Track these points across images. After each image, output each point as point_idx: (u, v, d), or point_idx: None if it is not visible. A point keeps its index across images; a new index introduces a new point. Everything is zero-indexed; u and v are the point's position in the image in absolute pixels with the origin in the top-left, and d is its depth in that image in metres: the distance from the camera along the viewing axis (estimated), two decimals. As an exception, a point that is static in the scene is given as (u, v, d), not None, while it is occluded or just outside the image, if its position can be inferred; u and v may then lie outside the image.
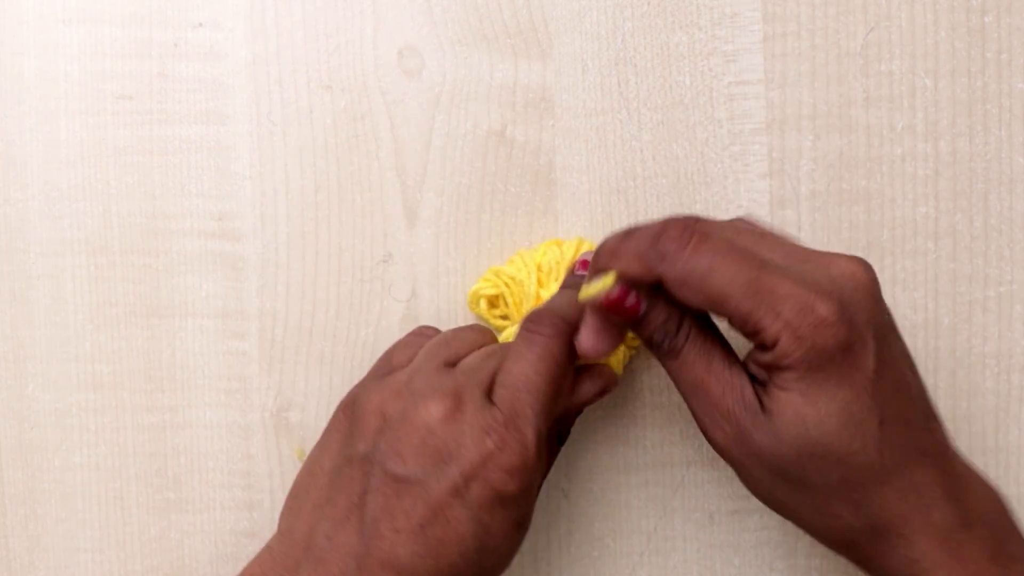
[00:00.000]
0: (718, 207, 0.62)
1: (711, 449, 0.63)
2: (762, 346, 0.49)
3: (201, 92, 0.63)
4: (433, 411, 0.52)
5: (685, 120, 0.62)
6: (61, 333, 0.63)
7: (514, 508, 0.51)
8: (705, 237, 0.50)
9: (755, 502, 0.63)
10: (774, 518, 0.63)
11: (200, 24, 0.63)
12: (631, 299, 0.52)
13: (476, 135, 0.62)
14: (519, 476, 0.51)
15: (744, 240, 0.50)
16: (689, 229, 0.50)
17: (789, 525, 0.62)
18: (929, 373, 0.62)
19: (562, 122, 0.63)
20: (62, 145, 0.63)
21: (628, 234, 0.52)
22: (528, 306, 0.59)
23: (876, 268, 0.62)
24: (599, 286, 0.52)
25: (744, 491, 0.63)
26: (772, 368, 0.49)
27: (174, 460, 0.63)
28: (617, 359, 0.59)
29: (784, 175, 0.62)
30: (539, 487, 0.54)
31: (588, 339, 0.54)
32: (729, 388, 0.51)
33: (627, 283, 0.51)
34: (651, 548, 0.63)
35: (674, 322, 0.52)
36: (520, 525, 0.52)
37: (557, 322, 0.54)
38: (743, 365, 0.52)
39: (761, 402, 0.51)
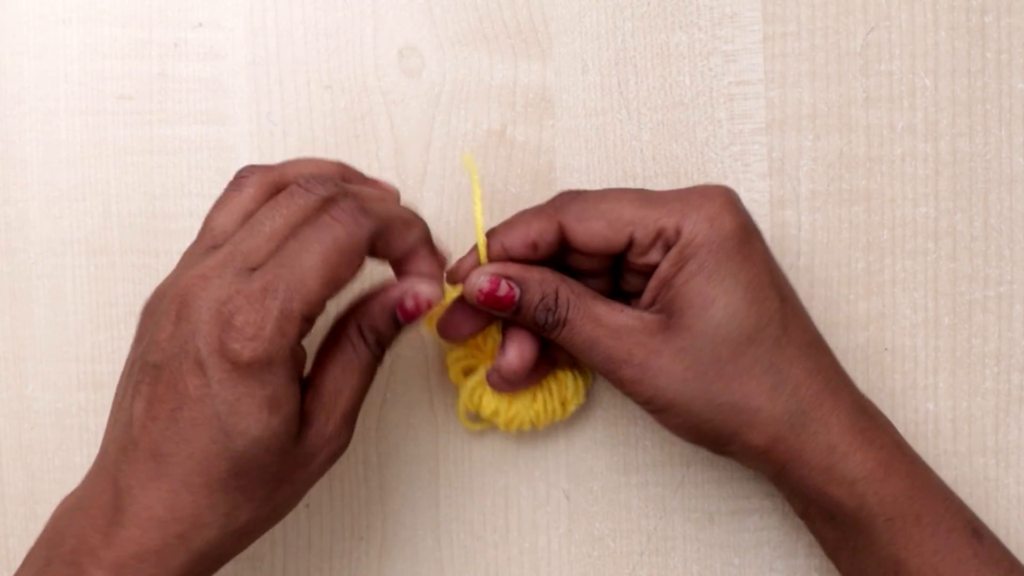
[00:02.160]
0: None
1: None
2: (666, 245, 0.54)
3: (201, 92, 0.63)
4: (183, 285, 0.50)
5: (685, 120, 0.62)
6: (61, 333, 0.63)
7: (257, 384, 0.49)
8: (589, 191, 0.56)
9: (755, 502, 0.63)
10: (774, 518, 0.63)
11: (200, 24, 0.63)
12: (503, 288, 0.55)
13: (476, 135, 0.62)
14: (253, 345, 0.48)
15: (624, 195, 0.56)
16: (573, 191, 0.56)
17: (789, 525, 0.62)
18: (929, 373, 0.62)
19: (562, 122, 0.63)
20: (62, 145, 0.63)
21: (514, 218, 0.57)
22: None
23: (876, 268, 0.62)
24: (455, 291, 0.57)
25: (744, 491, 0.63)
26: (678, 264, 0.54)
27: (174, 460, 0.63)
28: (577, 390, 0.60)
29: (784, 175, 0.62)
30: (296, 378, 0.51)
31: (451, 325, 0.58)
32: (624, 328, 0.55)
33: (496, 276, 0.55)
34: (651, 548, 0.63)
35: (551, 296, 0.55)
36: (272, 406, 0.49)
37: (357, 215, 0.51)
38: (626, 303, 0.56)
39: (664, 314, 0.54)
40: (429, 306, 0.54)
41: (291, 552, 0.63)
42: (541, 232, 0.55)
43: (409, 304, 0.53)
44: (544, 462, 0.63)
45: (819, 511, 0.55)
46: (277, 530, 0.63)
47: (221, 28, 0.63)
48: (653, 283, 0.55)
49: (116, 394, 0.53)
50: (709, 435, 0.55)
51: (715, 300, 0.53)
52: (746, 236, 0.54)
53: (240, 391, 0.49)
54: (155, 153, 0.63)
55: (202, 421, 0.49)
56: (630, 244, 0.55)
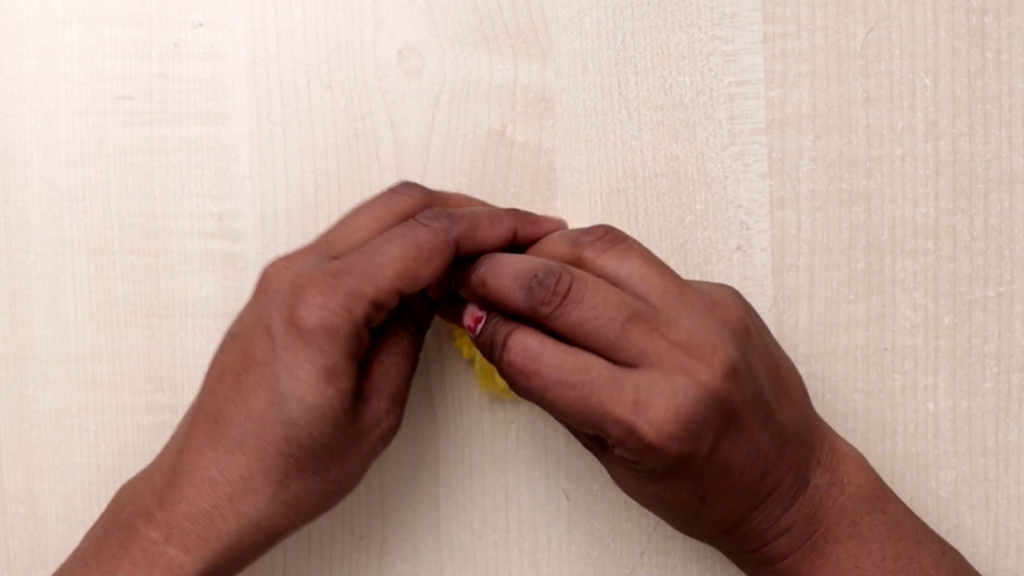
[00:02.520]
0: (718, 207, 0.62)
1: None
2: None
3: (201, 92, 0.63)
4: (269, 267, 0.54)
5: (685, 120, 0.62)
6: (61, 333, 0.63)
7: (318, 352, 0.51)
8: (537, 356, 0.51)
9: (755, 502, 0.63)
10: (774, 518, 0.63)
11: (200, 24, 0.63)
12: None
13: (476, 135, 0.62)
14: (319, 313, 0.51)
15: (603, 335, 0.51)
16: (523, 347, 0.52)
17: (789, 525, 0.62)
18: (929, 373, 0.62)
19: (562, 122, 0.63)
20: (62, 145, 0.63)
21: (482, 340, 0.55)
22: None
23: (876, 268, 0.62)
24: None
25: (744, 491, 0.63)
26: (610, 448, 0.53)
27: (174, 460, 0.63)
28: None
29: (784, 175, 0.62)
30: (357, 356, 0.52)
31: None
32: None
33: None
34: (651, 548, 0.63)
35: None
36: (328, 376, 0.51)
37: (443, 219, 0.53)
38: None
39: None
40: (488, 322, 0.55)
41: (291, 552, 0.63)
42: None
43: (468, 322, 0.55)
44: (544, 462, 0.63)
45: None
46: (277, 530, 0.63)
47: (221, 28, 0.63)
48: None
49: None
50: None
51: (628, 486, 0.54)
52: (675, 464, 0.51)
53: (301, 358, 0.50)
54: (155, 153, 0.63)
55: (262, 384, 0.51)
56: None
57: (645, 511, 0.63)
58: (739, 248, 0.62)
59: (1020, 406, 0.62)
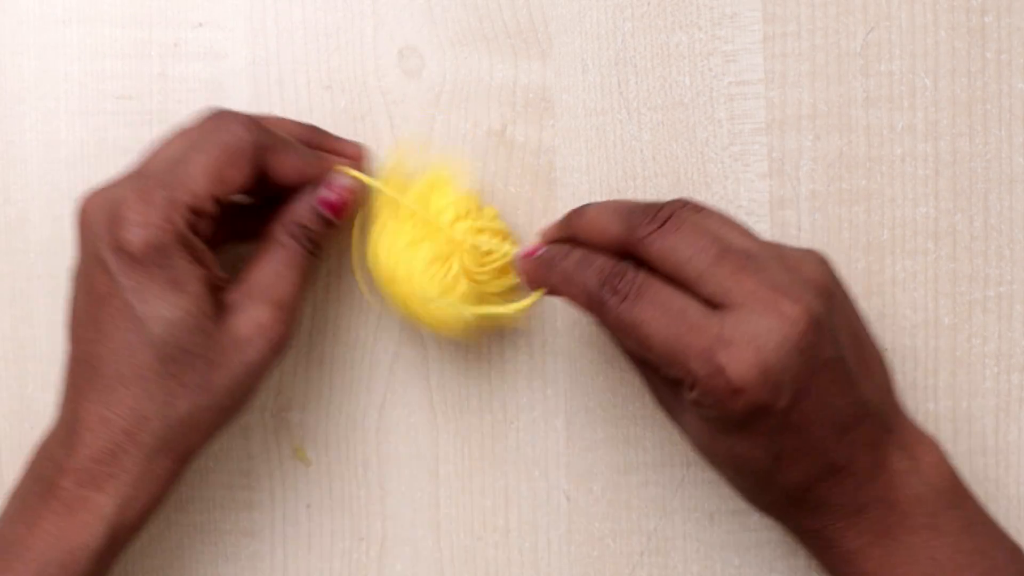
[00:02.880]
0: (718, 207, 0.62)
1: (711, 449, 0.63)
2: (683, 385, 0.52)
3: (201, 92, 0.63)
4: (82, 202, 0.54)
5: (685, 120, 0.62)
6: (61, 333, 0.63)
7: (156, 268, 0.52)
8: (643, 287, 0.52)
9: (755, 502, 0.63)
10: (774, 518, 0.63)
11: (200, 24, 0.63)
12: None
13: (476, 135, 0.62)
14: (142, 232, 0.52)
15: (694, 265, 0.52)
16: (629, 281, 0.52)
17: (789, 525, 0.62)
18: (929, 373, 0.62)
19: (562, 122, 0.63)
20: (62, 145, 0.63)
21: (584, 260, 0.54)
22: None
23: (876, 268, 0.62)
24: (529, 301, 0.56)
25: (744, 491, 0.63)
26: (687, 400, 0.53)
27: (174, 460, 0.63)
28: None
29: (784, 175, 0.62)
30: (197, 261, 0.53)
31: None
32: (655, 373, 0.56)
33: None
34: (651, 548, 0.63)
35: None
36: (174, 286, 0.52)
37: (246, 123, 0.55)
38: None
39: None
40: (350, 193, 0.57)
41: (291, 552, 0.63)
42: (587, 301, 0.54)
43: (330, 195, 0.57)
44: (544, 462, 0.63)
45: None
46: (277, 530, 0.63)
47: (221, 28, 0.63)
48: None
49: None
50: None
51: (701, 439, 0.54)
52: (754, 413, 0.51)
53: (140, 278, 0.52)
54: (155, 153, 0.63)
55: (116, 314, 0.52)
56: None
57: (645, 511, 0.63)
58: (739, 248, 0.62)
59: (1020, 406, 0.62)
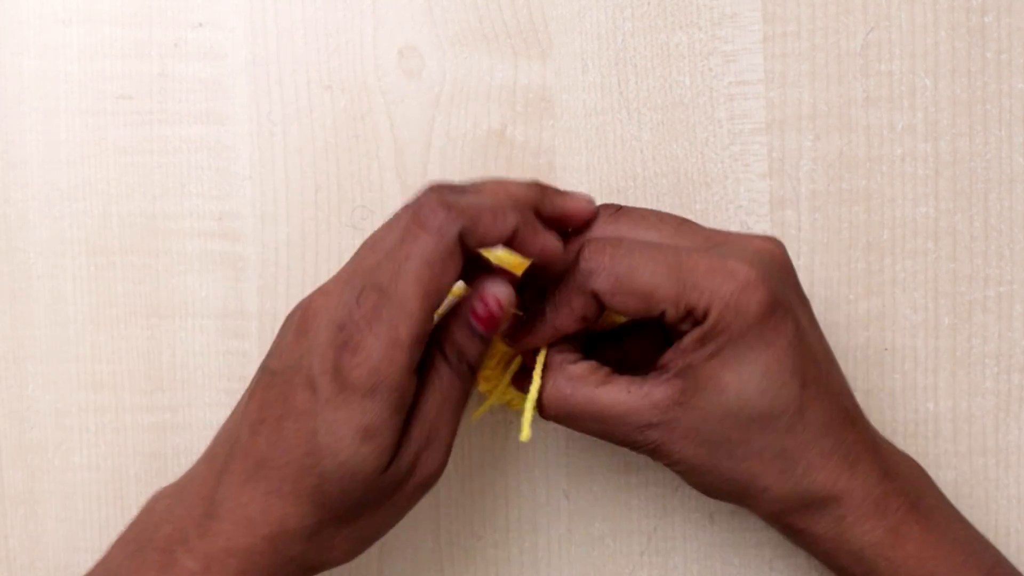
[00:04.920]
0: (718, 207, 0.62)
1: (711, 449, 0.63)
2: (694, 323, 0.52)
3: (201, 92, 0.63)
4: (309, 299, 0.53)
5: (685, 120, 0.62)
6: (61, 333, 0.63)
7: (358, 411, 0.50)
8: (619, 243, 0.52)
9: (755, 502, 0.63)
10: (774, 518, 0.63)
11: (200, 24, 0.63)
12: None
13: (476, 135, 0.62)
14: (366, 369, 0.49)
15: (662, 231, 0.54)
16: (602, 242, 0.52)
17: (789, 525, 0.62)
18: (929, 373, 0.62)
19: (562, 122, 0.63)
20: (62, 145, 0.63)
21: (552, 300, 0.54)
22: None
23: (876, 268, 0.62)
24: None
25: (744, 491, 0.63)
26: (699, 343, 0.52)
27: (174, 460, 0.63)
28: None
29: (784, 175, 0.62)
30: (401, 408, 0.51)
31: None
32: (632, 409, 0.53)
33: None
34: (651, 548, 0.63)
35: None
36: (366, 436, 0.50)
37: (440, 215, 0.50)
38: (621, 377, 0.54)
39: (679, 380, 0.53)
40: (499, 306, 0.53)
41: (291, 552, 0.63)
42: (585, 308, 0.53)
43: (479, 309, 0.53)
44: (544, 462, 0.63)
45: (831, 570, 0.57)
46: (277, 530, 0.63)
47: (221, 28, 0.63)
48: (672, 353, 0.53)
49: (244, 393, 0.55)
50: (722, 497, 0.56)
51: (728, 387, 0.52)
52: (772, 318, 0.51)
53: (341, 414, 0.50)
54: (155, 153, 0.63)
55: (302, 433, 0.51)
56: (662, 315, 0.53)
57: (645, 511, 0.63)
58: (739, 248, 0.62)
59: (1020, 406, 0.62)
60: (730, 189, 0.62)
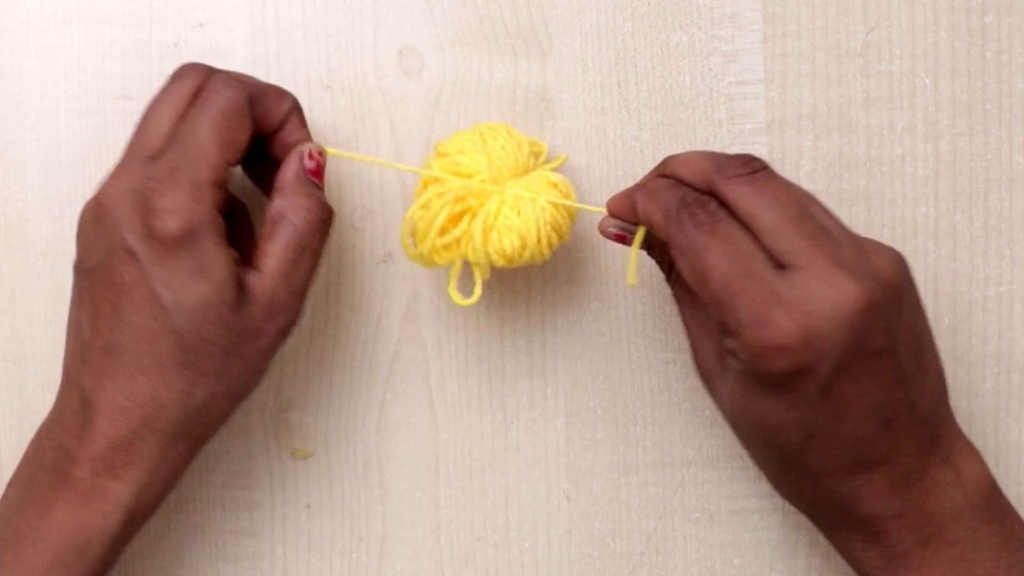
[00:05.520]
0: (718, 207, 0.62)
1: (711, 449, 0.63)
2: (726, 332, 0.52)
3: (201, 92, 0.63)
4: (96, 192, 0.55)
5: (685, 120, 0.62)
6: (61, 333, 0.63)
7: (184, 255, 0.53)
8: (720, 222, 0.52)
9: (755, 502, 0.63)
10: (774, 518, 0.63)
11: (200, 24, 0.63)
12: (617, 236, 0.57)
13: (476, 135, 0.62)
14: (174, 218, 0.52)
15: (771, 217, 0.52)
16: (710, 212, 0.52)
17: (789, 525, 0.62)
18: (929, 373, 0.62)
19: (562, 122, 0.63)
20: (62, 145, 0.63)
21: (672, 185, 0.54)
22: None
23: (876, 268, 0.62)
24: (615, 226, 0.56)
25: (744, 491, 0.63)
26: (727, 351, 0.52)
27: (174, 460, 0.63)
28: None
29: (784, 175, 0.62)
30: (220, 242, 0.54)
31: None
32: (703, 335, 0.55)
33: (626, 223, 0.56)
34: (651, 548, 0.63)
35: (666, 264, 0.56)
36: (200, 273, 0.53)
37: (231, 83, 0.55)
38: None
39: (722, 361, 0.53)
40: (322, 154, 0.57)
41: (291, 552, 0.63)
42: (652, 228, 0.54)
43: (309, 164, 0.56)
44: (544, 462, 0.63)
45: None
46: (277, 530, 0.63)
47: (221, 28, 0.63)
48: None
49: (68, 315, 0.56)
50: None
51: (735, 402, 0.53)
52: (794, 375, 0.50)
53: (170, 265, 0.52)
54: (155, 153, 0.63)
55: (140, 303, 0.53)
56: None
57: (645, 511, 0.63)
58: (739, 248, 0.62)
59: (1020, 406, 0.62)
60: (730, 189, 0.62)
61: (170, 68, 0.61)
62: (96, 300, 0.54)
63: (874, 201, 0.62)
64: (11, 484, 0.55)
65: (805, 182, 0.62)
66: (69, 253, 0.63)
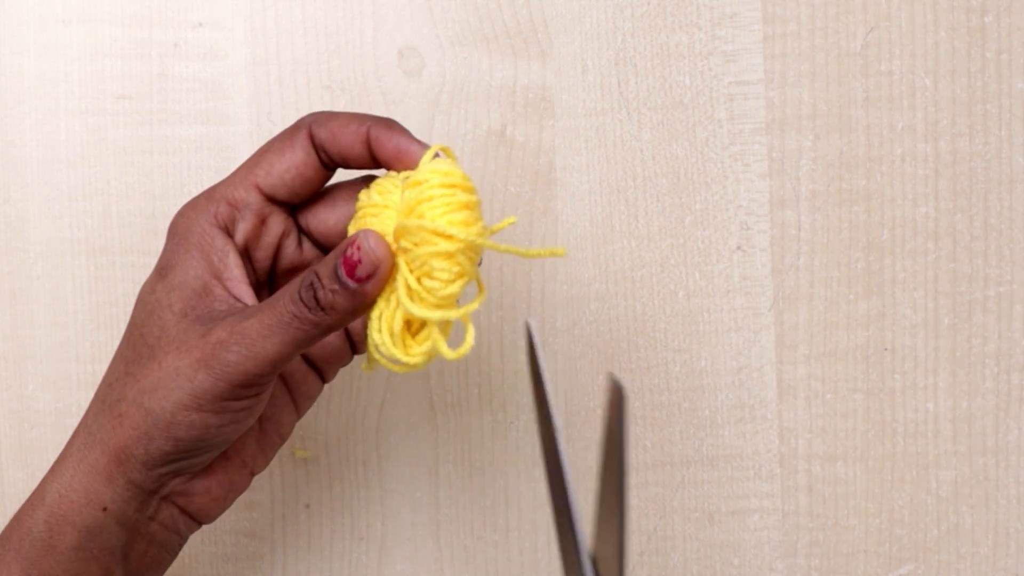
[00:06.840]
0: (718, 207, 0.62)
1: (711, 449, 0.63)
2: None
3: (201, 92, 0.63)
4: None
5: (685, 120, 0.62)
6: (61, 333, 0.63)
7: (165, 252, 0.53)
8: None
9: (755, 502, 0.63)
10: (774, 518, 0.63)
11: (200, 24, 0.63)
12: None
13: (476, 135, 0.62)
14: (177, 216, 0.53)
15: None
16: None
17: (789, 525, 0.62)
18: (929, 373, 0.62)
19: (562, 122, 0.63)
20: (62, 145, 0.63)
21: None
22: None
23: (876, 268, 0.62)
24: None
25: (744, 491, 0.63)
26: None
27: (174, 460, 0.63)
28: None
29: (784, 175, 0.62)
30: (188, 250, 0.52)
31: None
32: None
33: None
34: (651, 548, 0.63)
35: None
36: (160, 271, 0.52)
37: (298, 120, 0.53)
38: None
39: None
40: (360, 251, 0.48)
41: (291, 552, 0.63)
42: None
43: (353, 254, 0.48)
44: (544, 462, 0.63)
45: None
46: (277, 530, 0.63)
47: (221, 28, 0.63)
48: None
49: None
50: None
51: None
52: None
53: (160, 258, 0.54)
54: (155, 153, 0.63)
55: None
56: None
57: (645, 511, 0.63)
58: (739, 248, 0.62)
59: (1020, 406, 0.62)
60: (730, 189, 0.62)
61: (170, 68, 0.61)
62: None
63: (874, 201, 0.62)
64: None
65: (805, 182, 0.62)
66: (69, 253, 0.63)
